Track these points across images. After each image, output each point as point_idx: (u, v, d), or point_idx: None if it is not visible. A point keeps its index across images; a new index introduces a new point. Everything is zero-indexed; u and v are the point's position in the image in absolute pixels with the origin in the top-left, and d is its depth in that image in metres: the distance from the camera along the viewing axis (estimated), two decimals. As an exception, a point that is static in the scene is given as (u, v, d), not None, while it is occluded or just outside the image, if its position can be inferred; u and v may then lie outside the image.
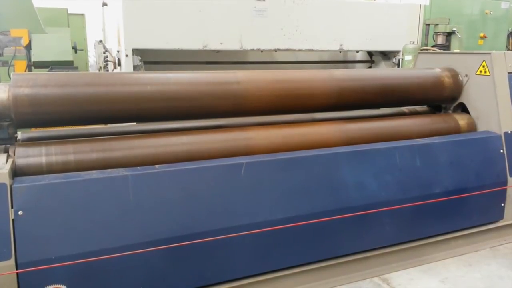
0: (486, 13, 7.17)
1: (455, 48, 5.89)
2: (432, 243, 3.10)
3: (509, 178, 3.31)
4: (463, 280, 2.86)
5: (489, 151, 3.29)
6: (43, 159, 2.30)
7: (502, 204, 3.34)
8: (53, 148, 2.35)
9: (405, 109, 3.69)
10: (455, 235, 3.18)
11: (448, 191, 3.07)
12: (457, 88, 3.57)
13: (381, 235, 2.90)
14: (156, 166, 2.38)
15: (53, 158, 2.31)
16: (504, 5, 7.36)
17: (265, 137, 2.81)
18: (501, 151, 3.30)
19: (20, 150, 2.30)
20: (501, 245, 3.33)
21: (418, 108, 3.76)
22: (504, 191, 3.31)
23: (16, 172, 2.23)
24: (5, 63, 4.79)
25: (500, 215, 3.36)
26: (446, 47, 5.95)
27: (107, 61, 5.50)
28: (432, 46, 5.91)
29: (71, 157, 2.35)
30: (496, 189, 3.27)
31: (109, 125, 2.86)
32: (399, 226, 2.95)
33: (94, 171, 2.27)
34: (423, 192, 2.98)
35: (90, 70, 7.37)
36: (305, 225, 2.60)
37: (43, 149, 2.33)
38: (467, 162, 3.19)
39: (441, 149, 3.12)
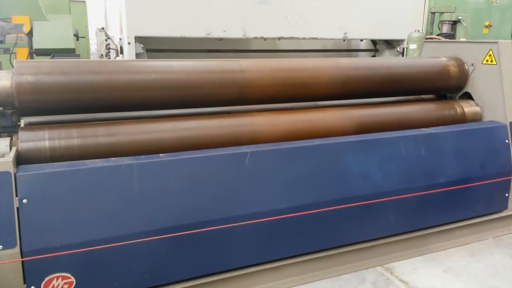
0: (492, 2, 7.09)
1: (460, 37, 5.84)
2: (436, 233, 3.10)
3: (514, 168, 3.30)
4: (466, 269, 2.87)
5: (494, 141, 3.27)
6: (46, 143, 2.28)
7: (506, 194, 3.33)
8: (56, 132, 2.32)
9: (411, 98, 3.66)
10: (459, 225, 3.18)
11: (452, 181, 3.06)
12: (463, 77, 3.54)
13: (385, 225, 2.89)
14: (161, 154, 2.37)
15: (56, 142, 2.29)
16: (510, -7, 7.29)
17: (270, 122, 2.80)
18: (506, 141, 3.28)
19: (23, 134, 2.28)
20: (504, 235, 3.33)
21: (423, 97, 3.73)
22: (509, 181, 3.30)
23: (20, 157, 2.22)
24: (6, 50, 4.76)
25: (504, 205, 3.35)
26: (451, 35, 5.91)
27: (109, 48, 5.46)
28: (437, 35, 5.86)
29: (74, 141, 2.33)
30: (501, 179, 3.26)
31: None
32: (403, 216, 2.94)
33: (98, 160, 2.26)
34: (427, 182, 2.97)
35: (92, 58, 7.32)
36: (310, 214, 2.59)
37: (46, 133, 2.30)
38: (472, 152, 3.17)
39: (446, 139, 3.10)
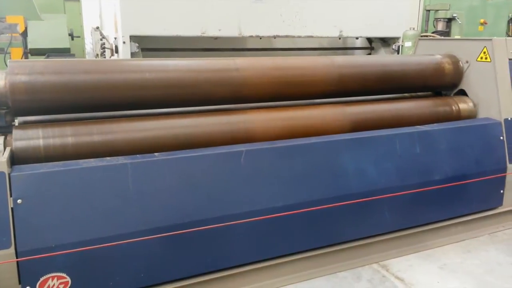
0: (487, -1, 7.11)
1: (455, 34, 5.86)
2: (432, 230, 3.11)
3: (508, 165, 3.31)
4: (462, 266, 2.88)
5: (489, 137, 3.28)
6: (40, 142, 2.27)
7: (501, 191, 3.34)
8: (50, 131, 2.32)
9: (406, 95, 3.67)
10: (454, 222, 3.19)
11: (447, 178, 3.07)
12: (458, 74, 3.56)
13: (380, 222, 2.90)
14: (156, 154, 2.37)
15: (51, 141, 2.29)
16: (505, -9, 7.30)
17: (265, 120, 2.80)
18: (501, 137, 3.30)
19: (17, 133, 2.27)
20: (500, 231, 3.34)
21: (418, 94, 3.73)
22: (504, 177, 3.32)
23: (14, 156, 2.21)
24: (1, 50, 4.75)
25: (499, 202, 3.37)
26: (446, 33, 5.92)
27: (104, 48, 5.44)
28: (432, 32, 5.87)
29: (69, 140, 2.32)
30: (496, 175, 3.27)
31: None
32: (398, 213, 2.95)
33: (92, 159, 2.25)
34: (423, 179, 2.98)
35: (87, 57, 7.29)
36: (305, 212, 2.60)
37: (40, 132, 2.30)
38: (467, 149, 3.18)
39: (441, 136, 3.11)
